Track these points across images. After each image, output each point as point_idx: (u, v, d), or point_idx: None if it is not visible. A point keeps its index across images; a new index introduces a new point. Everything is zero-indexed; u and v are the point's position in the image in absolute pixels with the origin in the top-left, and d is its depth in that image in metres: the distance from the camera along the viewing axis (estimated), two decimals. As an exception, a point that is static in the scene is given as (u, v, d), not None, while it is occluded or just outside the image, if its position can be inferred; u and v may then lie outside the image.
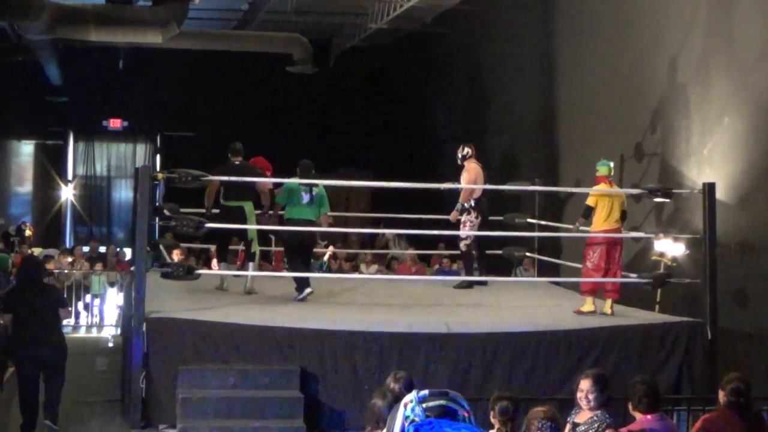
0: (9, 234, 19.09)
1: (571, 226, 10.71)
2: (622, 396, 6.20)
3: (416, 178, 12.02)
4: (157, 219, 10.58)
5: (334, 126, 23.07)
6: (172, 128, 23.24)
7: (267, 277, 11.87)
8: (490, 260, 12.41)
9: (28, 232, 20.07)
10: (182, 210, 10.82)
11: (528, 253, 13.18)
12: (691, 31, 11.61)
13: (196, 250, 14.94)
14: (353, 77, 22.81)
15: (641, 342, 9.45)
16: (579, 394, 5.90)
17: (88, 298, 16.79)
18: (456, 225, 11.68)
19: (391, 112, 23.03)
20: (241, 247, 11.65)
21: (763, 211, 10.31)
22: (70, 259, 17.38)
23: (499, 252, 12.63)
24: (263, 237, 12.18)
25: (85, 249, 19.39)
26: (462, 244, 11.81)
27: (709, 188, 9.77)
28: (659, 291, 10.79)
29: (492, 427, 5.46)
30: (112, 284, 16.79)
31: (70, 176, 23.85)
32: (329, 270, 15.02)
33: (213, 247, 11.53)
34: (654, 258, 11.17)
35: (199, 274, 10.09)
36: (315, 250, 16.34)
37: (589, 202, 10.06)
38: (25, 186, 24.23)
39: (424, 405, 3.11)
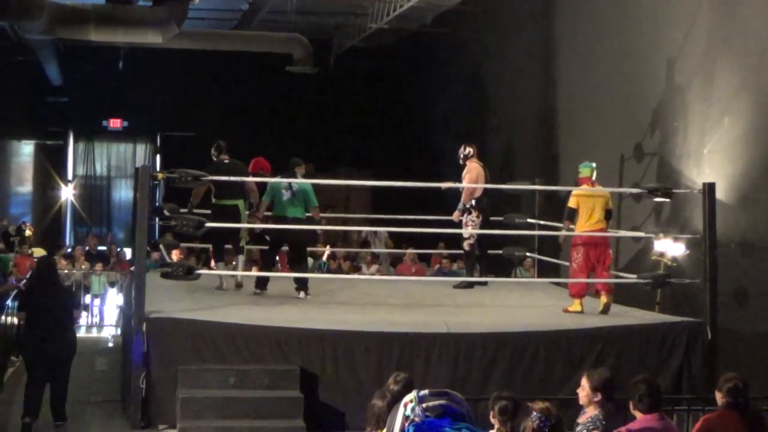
0: (9, 234, 19.08)
1: (572, 226, 10.72)
2: (622, 396, 6.19)
3: (416, 178, 12.02)
4: (157, 219, 10.58)
5: (334, 126, 23.06)
6: (172, 128, 23.23)
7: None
8: (490, 260, 12.41)
9: (28, 232, 20.05)
10: (182, 210, 10.84)
11: (528, 253, 13.19)
12: (691, 31, 11.61)
13: (196, 249, 14.94)
14: (353, 77, 22.79)
15: (641, 342, 9.45)
16: (579, 391, 5.93)
17: (88, 298, 16.77)
18: (456, 225, 11.68)
19: (392, 112, 23.03)
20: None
21: (763, 211, 10.31)
22: (64, 263, 17.34)
23: (500, 252, 12.63)
24: (260, 237, 12.20)
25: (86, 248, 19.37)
26: (465, 244, 11.81)
27: (709, 188, 9.78)
28: (659, 291, 10.79)
29: (492, 427, 5.45)
30: (112, 284, 16.78)
31: (70, 176, 23.84)
32: (329, 270, 15.02)
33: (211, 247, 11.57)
34: (654, 258, 11.17)
35: (199, 274, 10.10)
36: (314, 249, 16.43)
37: (571, 204, 10.21)
38: (25, 186, 24.22)
39: (424, 405, 3.11)
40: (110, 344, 13.81)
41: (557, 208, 13.84)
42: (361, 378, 8.86)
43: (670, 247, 10.65)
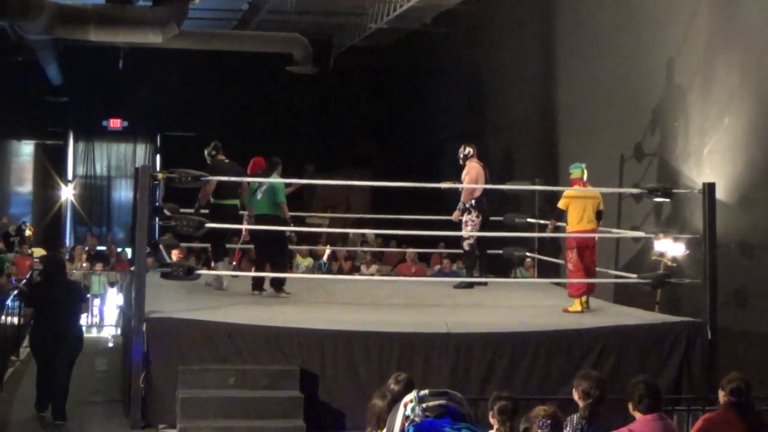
0: (9, 234, 19.08)
1: (560, 224, 10.77)
2: (622, 396, 6.19)
3: (416, 178, 12.01)
4: (157, 219, 10.58)
5: (334, 126, 23.06)
6: (172, 128, 23.24)
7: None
8: (490, 260, 12.41)
9: (28, 232, 20.06)
10: (182, 210, 10.85)
11: (528, 253, 13.18)
12: (691, 31, 11.60)
13: (196, 249, 14.94)
14: (353, 77, 22.80)
15: (641, 342, 9.45)
16: (573, 392, 5.92)
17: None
18: (455, 225, 11.68)
19: (391, 112, 23.04)
20: (238, 246, 11.74)
21: (763, 211, 10.31)
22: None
23: (500, 252, 12.64)
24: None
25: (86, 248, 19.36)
26: (465, 244, 11.81)
27: (709, 188, 9.78)
28: (659, 291, 10.80)
29: (491, 427, 5.45)
30: (112, 284, 16.78)
31: (70, 176, 23.84)
32: (329, 270, 15.02)
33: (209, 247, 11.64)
34: (654, 258, 11.17)
35: (199, 274, 10.10)
36: (315, 248, 16.42)
37: (561, 205, 10.33)
38: (25, 186, 24.23)
39: (424, 405, 3.11)
40: (110, 344, 13.82)
41: (557, 208, 13.86)
42: (361, 378, 8.86)
43: (670, 247, 10.65)
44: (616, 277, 11.35)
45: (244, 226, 11.13)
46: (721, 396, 6.20)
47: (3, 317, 11.54)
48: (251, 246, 11.95)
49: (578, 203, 10.21)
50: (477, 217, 11.62)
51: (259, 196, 10.75)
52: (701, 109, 11.39)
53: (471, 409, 3.17)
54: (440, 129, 21.10)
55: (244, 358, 8.90)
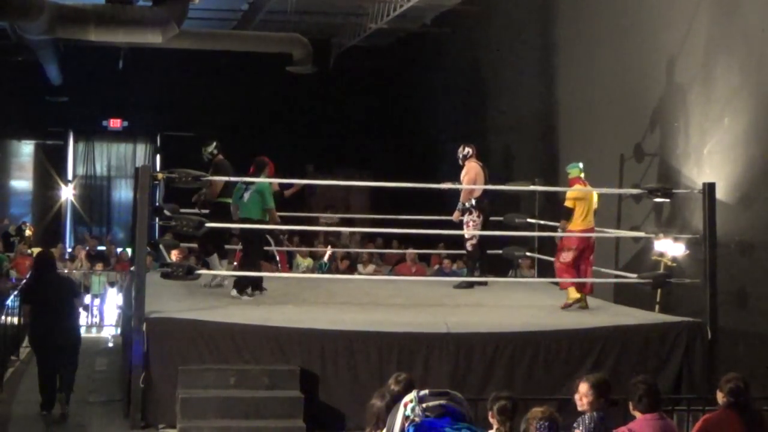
0: (9, 234, 19.10)
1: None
2: (622, 396, 6.20)
3: (416, 178, 12.02)
4: (157, 219, 10.58)
5: (333, 126, 23.06)
6: (172, 128, 23.23)
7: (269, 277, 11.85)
8: (490, 260, 12.40)
9: (28, 232, 20.08)
10: (182, 210, 10.84)
11: (528, 253, 13.18)
12: (691, 31, 11.60)
13: (196, 249, 14.92)
14: (353, 77, 22.80)
15: (641, 342, 9.44)
16: (576, 396, 5.92)
17: (88, 298, 16.76)
18: (456, 225, 11.68)
19: (391, 112, 23.03)
20: (239, 247, 11.71)
21: (763, 211, 10.31)
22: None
23: (500, 252, 12.64)
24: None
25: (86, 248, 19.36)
26: (468, 244, 11.82)
27: (709, 188, 9.78)
28: (659, 291, 10.80)
29: (491, 427, 5.45)
30: (112, 284, 16.78)
31: (70, 176, 23.84)
32: (329, 270, 15.01)
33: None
34: (654, 258, 11.18)
35: (199, 274, 10.09)
36: (315, 250, 16.42)
37: (568, 204, 10.36)
38: (25, 186, 24.23)
39: (424, 405, 3.11)
40: (110, 344, 13.82)
41: (557, 208, 13.86)
42: (361, 378, 8.85)
43: (670, 247, 10.65)
44: (616, 277, 11.35)
45: (243, 226, 11.03)
46: (720, 396, 6.20)
47: (3, 317, 11.55)
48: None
49: (582, 202, 10.27)
50: (478, 217, 11.62)
51: (245, 198, 10.40)
52: (701, 109, 11.39)
53: (471, 409, 3.17)
54: (440, 129, 21.10)
55: (244, 358, 8.89)
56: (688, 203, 11.10)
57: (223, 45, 19.56)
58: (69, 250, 19.69)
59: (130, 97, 22.74)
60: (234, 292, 10.36)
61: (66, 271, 16.49)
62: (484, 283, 11.94)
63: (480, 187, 11.57)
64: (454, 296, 11.22)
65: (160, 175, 9.73)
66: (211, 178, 10.29)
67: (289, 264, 15.19)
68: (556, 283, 11.04)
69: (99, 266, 17.31)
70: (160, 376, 8.75)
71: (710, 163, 11.11)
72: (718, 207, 9.85)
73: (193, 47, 18.66)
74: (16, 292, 13.03)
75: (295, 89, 21.56)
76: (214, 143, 11.11)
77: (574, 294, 10.27)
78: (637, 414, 5.93)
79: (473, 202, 11.59)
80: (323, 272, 14.56)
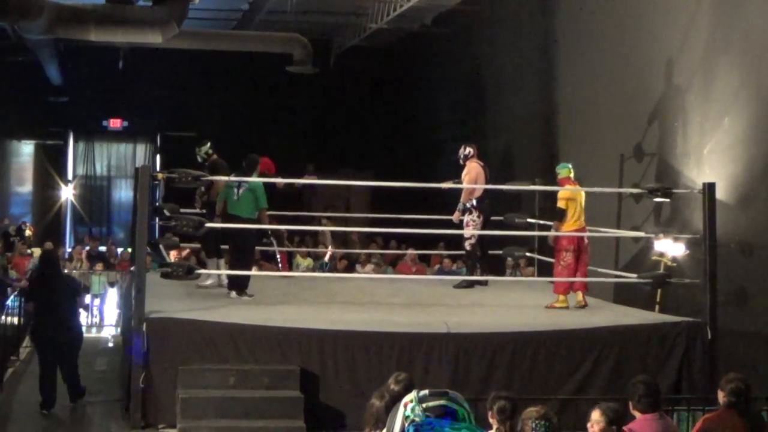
0: (9, 234, 19.09)
1: None
2: (622, 396, 6.19)
3: (416, 178, 12.01)
4: (157, 219, 10.58)
5: (334, 126, 23.06)
6: (172, 128, 23.21)
7: (267, 277, 11.86)
8: (490, 260, 12.40)
9: (28, 232, 20.07)
10: (182, 210, 10.84)
11: (528, 253, 13.18)
12: (691, 31, 11.60)
13: (197, 249, 14.91)
14: (353, 77, 22.79)
15: (641, 342, 9.45)
16: (588, 424, 5.77)
17: (88, 298, 16.75)
18: (456, 225, 11.68)
19: (391, 112, 23.02)
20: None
21: (763, 211, 10.31)
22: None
23: (500, 252, 12.63)
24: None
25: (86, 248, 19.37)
26: (467, 244, 11.82)
27: (709, 188, 9.78)
28: (659, 291, 10.80)
29: (490, 427, 5.45)
30: (112, 284, 16.78)
31: (70, 176, 23.83)
32: (330, 270, 15.01)
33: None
34: (654, 258, 11.18)
35: (199, 274, 10.09)
36: (316, 250, 16.41)
37: (561, 205, 10.43)
38: (25, 186, 24.22)
39: (424, 405, 3.11)
40: (110, 344, 13.83)
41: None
42: (361, 378, 8.86)
43: (670, 247, 10.66)
44: (616, 276, 11.36)
45: (244, 226, 11.02)
46: (721, 396, 6.20)
47: (3, 317, 11.55)
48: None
49: (574, 203, 10.38)
50: (478, 217, 11.62)
51: (236, 196, 10.33)
52: (701, 109, 11.39)
53: (471, 409, 3.17)
54: (440, 129, 21.09)
55: (244, 358, 8.90)
56: (688, 203, 11.10)
57: (223, 45, 19.56)
58: (69, 250, 19.69)
59: (130, 97, 22.71)
60: (233, 294, 10.35)
61: (66, 271, 16.51)
62: (484, 283, 11.94)
63: (480, 187, 11.57)
64: (454, 296, 11.22)
65: (160, 175, 9.75)
66: (212, 178, 10.28)
67: (289, 264, 15.18)
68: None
69: (99, 266, 17.31)
70: (160, 376, 8.75)
71: (710, 163, 11.11)
72: (718, 207, 9.85)
73: (193, 47, 18.65)
74: (16, 293, 13.03)
75: (295, 89, 21.55)
76: (209, 143, 11.10)
77: (563, 302, 10.35)
78: (637, 414, 5.93)
79: (474, 202, 11.60)
80: (325, 272, 14.55)
